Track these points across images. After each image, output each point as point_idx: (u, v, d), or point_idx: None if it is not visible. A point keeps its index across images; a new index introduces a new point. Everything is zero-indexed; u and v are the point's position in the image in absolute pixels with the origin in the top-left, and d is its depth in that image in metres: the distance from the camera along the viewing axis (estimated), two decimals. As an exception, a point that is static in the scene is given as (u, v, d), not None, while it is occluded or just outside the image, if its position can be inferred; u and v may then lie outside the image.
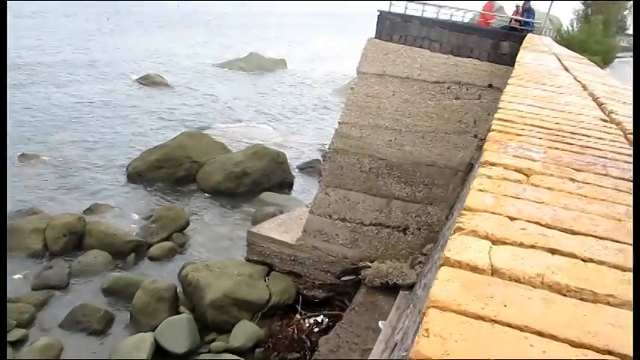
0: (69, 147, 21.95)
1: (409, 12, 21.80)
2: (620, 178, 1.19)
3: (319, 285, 14.55)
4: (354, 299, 12.83)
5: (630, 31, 48.60)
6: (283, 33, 77.52)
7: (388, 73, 18.85)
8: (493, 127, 1.58)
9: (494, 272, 0.67)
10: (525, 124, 1.66)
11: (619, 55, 35.05)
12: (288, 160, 22.25)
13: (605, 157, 1.38)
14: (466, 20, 25.02)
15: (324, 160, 19.55)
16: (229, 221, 18.38)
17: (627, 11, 35.86)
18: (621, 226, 0.87)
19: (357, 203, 15.69)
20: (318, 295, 14.17)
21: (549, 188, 1.04)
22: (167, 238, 15.94)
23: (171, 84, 33.96)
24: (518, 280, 0.67)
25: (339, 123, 19.08)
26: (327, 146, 20.19)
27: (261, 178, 20.17)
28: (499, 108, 1.92)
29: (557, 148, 1.39)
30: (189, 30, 64.31)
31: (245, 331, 12.03)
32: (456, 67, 17.62)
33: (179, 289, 13.54)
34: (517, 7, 22.65)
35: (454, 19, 23.30)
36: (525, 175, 1.11)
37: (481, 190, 0.97)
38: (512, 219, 0.84)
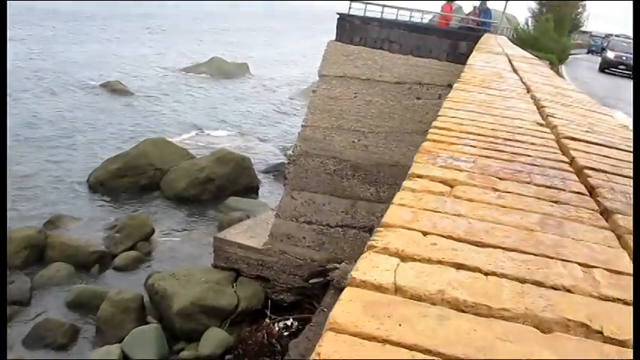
0: (26, 158, 21.43)
1: (369, 14, 21.98)
2: (542, 186, 1.24)
3: (288, 289, 14.56)
4: (323, 301, 12.87)
5: (584, 28, 49.89)
6: (247, 36, 77.21)
7: (349, 75, 18.98)
8: (428, 136, 1.62)
9: (398, 291, 0.70)
10: (462, 132, 1.71)
11: (573, 52, 35.95)
12: (254, 165, 22.19)
13: (534, 164, 1.42)
14: (425, 21, 25.35)
15: (288, 164, 19.55)
16: (195, 228, 18.24)
17: (580, 10, 36.80)
18: (531, 237, 0.91)
19: (323, 205, 15.74)
20: (287, 298, 14.18)
21: (470, 200, 1.07)
22: (132, 248, 15.73)
23: (133, 90, 33.48)
24: (419, 298, 0.70)
25: (302, 126, 19.12)
26: (291, 150, 20.21)
27: (227, 184, 20.09)
28: (438, 115, 1.97)
29: (487, 157, 1.44)
30: (151, 34, 63.53)
31: (214, 339, 11.95)
32: (416, 67, 17.85)
33: (146, 299, 13.36)
34: (474, 7, 23.06)
35: (413, 20, 23.58)
36: (450, 186, 1.15)
37: (401, 205, 1.00)
38: (425, 234, 0.87)
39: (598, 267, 0.85)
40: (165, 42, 58.93)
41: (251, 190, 21.39)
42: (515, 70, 4.48)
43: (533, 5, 33.11)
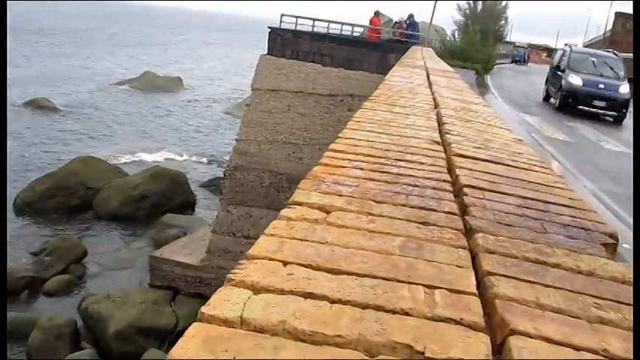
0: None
1: (300, 28, 22.20)
2: (416, 207, 1.31)
3: (226, 305, 14.41)
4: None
5: (508, 39, 52.25)
6: (181, 49, 76.24)
7: (282, 89, 19.06)
8: (321, 160, 1.68)
9: (243, 324, 0.74)
10: (355, 154, 1.78)
11: (498, 61, 37.46)
12: (189, 180, 21.92)
13: (415, 185, 1.50)
14: (357, 34, 25.82)
15: (224, 178, 19.39)
16: (130, 247, 17.81)
17: (503, 22, 38.41)
18: (387, 261, 0.98)
19: (260, 219, 15.69)
20: (225, 315, 14.03)
21: (341, 226, 1.13)
22: (64, 271, 15.22)
23: (61, 107, 32.38)
24: (261, 330, 0.74)
25: (236, 140, 19.03)
26: (226, 164, 20.06)
27: (162, 200, 19.75)
28: (337, 137, 2.04)
29: (371, 179, 1.51)
30: (83, 48, 61.70)
31: (152, 360, 11.68)
32: (348, 79, 18.15)
33: (80, 324, 12.96)
34: (400, 20, 23.68)
35: (344, 33, 23.96)
36: (326, 213, 1.20)
37: (271, 235, 1.04)
38: (285, 264, 0.92)
39: (441, 288, 0.92)
40: (98, 56, 57.39)
41: (187, 205, 21.13)
42: (430, 85, 4.65)
43: (459, 18, 34.36)
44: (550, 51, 76.84)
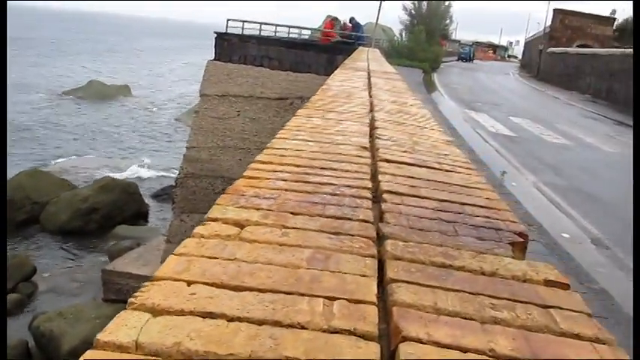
0: None
1: (247, 32, 22.10)
2: (332, 217, 1.34)
3: (183, 315, 14.23)
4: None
5: (453, 37, 53.47)
6: (128, 56, 74.72)
7: (231, 94, 18.95)
8: (245, 172, 1.70)
9: (138, 348, 0.75)
10: (281, 164, 1.80)
11: (445, 59, 38.23)
12: (141, 190, 21.55)
13: (335, 194, 1.53)
14: (305, 37, 25.89)
15: (176, 187, 19.12)
16: (82, 262, 17.38)
17: (448, 21, 39.16)
18: (292, 275, 1.00)
19: (214, 226, 15.54)
20: (182, 325, 13.85)
21: (253, 241, 1.15)
22: (12, 290, 14.72)
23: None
24: (156, 353, 0.75)
25: (187, 147, 18.80)
26: (178, 172, 19.79)
27: (113, 212, 19.37)
28: (266, 147, 2.06)
29: (292, 190, 1.53)
30: (27, 57, 59.74)
31: (107, 377, 11.40)
32: (296, 82, 18.19)
33: (31, 344, 12.60)
34: (345, 22, 23.87)
35: (292, 36, 23.99)
36: (241, 228, 1.22)
37: (180, 255, 1.05)
38: (190, 284, 0.93)
39: (341, 299, 0.94)
40: (43, 66, 55.70)
41: (140, 216, 20.79)
42: (369, 88, 4.72)
43: (405, 18, 34.89)
44: (495, 48, 78.95)
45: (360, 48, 18.23)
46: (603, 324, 3.37)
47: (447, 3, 36.39)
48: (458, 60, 49.24)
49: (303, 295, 0.95)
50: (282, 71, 20.19)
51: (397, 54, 27.15)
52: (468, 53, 53.45)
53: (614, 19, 42.68)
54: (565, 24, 40.89)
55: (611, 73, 25.23)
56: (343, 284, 1.01)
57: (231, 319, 0.85)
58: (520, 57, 63.12)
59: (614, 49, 29.24)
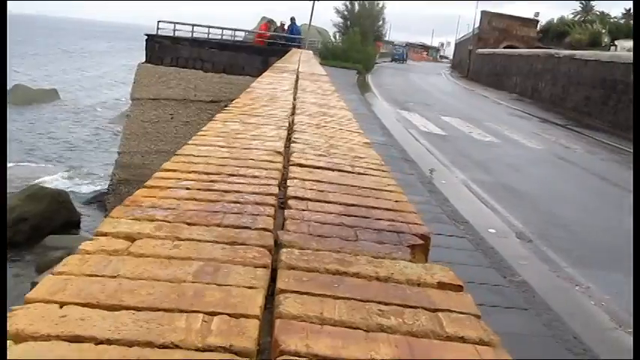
0: None
1: (178, 34, 21.68)
2: (230, 226, 1.31)
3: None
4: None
5: (387, 38, 54.45)
6: (56, 59, 71.97)
7: (164, 97, 18.55)
8: (148, 182, 1.64)
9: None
10: (188, 172, 1.75)
11: (379, 60, 38.84)
12: (72, 198, 20.76)
13: (238, 202, 1.50)
14: (239, 39, 25.64)
15: (108, 193, 18.53)
16: (9, 276, 16.55)
17: (381, 22, 39.78)
18: (175, 290, 0.96)
19: (148, 233, 15.20)
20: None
21: (141, 255, 1.10)
22: None
23: None
24: (7, 385, 0.70)
25: (118, 153, 18.26)
26: (110, 178, 19.18)
27: (42, 222, 18.57)
28: (175, 154, 2.00)
29: (195, 199, 1.48)
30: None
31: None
32: (230, 84, 18.00)
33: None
34: (282, 23, 23.86)
35: (225, 38, 23.72)
36: (131, 242, 1.17)
37: (58, 274, 0.99)
38: (62, 305, 0.87)
39: (222, 314, 0.91)
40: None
41: (71, 225, 20.01)
42: (295, 90, 4.70)
43: (339, 20, 35.18)
44: (427, 49, 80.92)
45: (294, 50, 18.26)
46: (524, 315, 3.48)
47: (379, 5, 36.95)
48: (392, 61, 50.18)
49: (182, 311, 0.91)
50: (216, 73, 19.97)
51: (332, 55, 27.34)
52: (402, 54, 54.56)
53: (538, 21, 44.57)
54: (492, 26, 42.40)
55: (535, 72, 26.30)
56: (228, 298, 0.98)
57: (100, 342, 0.81)
58: (451, 58, 64.95)
59: (538, 50, 30.52)
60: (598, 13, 50.29)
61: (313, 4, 24.14)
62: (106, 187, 19.59)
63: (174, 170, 1.80)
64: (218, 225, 1.33)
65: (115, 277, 1.01)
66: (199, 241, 1.22)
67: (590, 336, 4.06)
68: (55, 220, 19.03)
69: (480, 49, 39.66)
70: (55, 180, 23.49)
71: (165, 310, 0.91)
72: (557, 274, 5.33)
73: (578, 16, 50.31)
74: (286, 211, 1.51)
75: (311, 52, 18.89)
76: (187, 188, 1.61)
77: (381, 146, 8.90)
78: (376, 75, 29.11)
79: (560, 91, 22.99)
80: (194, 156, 2.00)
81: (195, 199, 1.51)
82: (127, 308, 0.91)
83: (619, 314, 4.71)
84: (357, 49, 28.36)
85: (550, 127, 16.61)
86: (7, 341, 0.80)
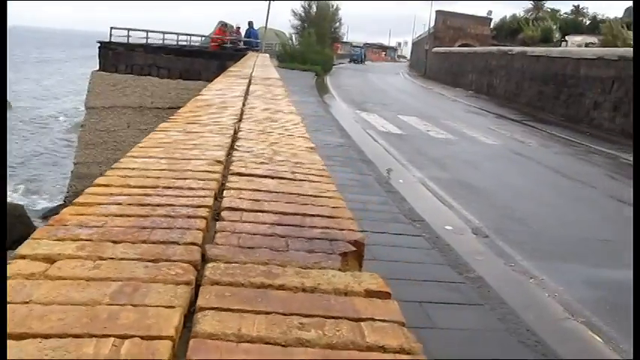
0: None
1: (133, 40, 21.33)
2: (156, 242, 1.28)
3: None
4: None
5: (345, 39, 54.77)
6: (12, 69, 69.91)
7: (119, 105, 18.24)
8: (77, 198, 1.60)
9: None
10: (122, 186, 1.71)
11: (337, 62, 39.01)
12: (28, 212, 20.18)
13: (169, 216, 1.47)
14: (196, 44, 25.38)
15: (65, 206, 18.08)
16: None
17: (338, 24, 39.97)
18: (87, 314, 0.93)
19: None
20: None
21: (59, 278, 1.07)
22: None
23: None
24: None
25: (74, 163, 17.87)
26: (67, 190, 18.75)
27: (-4, 238, 18.01)
28: (111, 168, 1.95)
29: (125, 215, 1.45)
30: None
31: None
32: (188, 90, 17.79)
33: None
34: (237, 27, 23.72)
35: (181, 44, 23.45)
36: (50, 264, 1.13)
37: (-33, 302, 0.96)
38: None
39: (135, 336, 0.89)
40: None
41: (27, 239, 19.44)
42: (246, 95, 4.67)
43: (296, 22, 35.21)
44: (385, 49, 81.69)
45: (250, 53, 18.18)
46: (478, 310, 3.52)
47: (334, 5, 37.10)
48: (350, 62, 50.47)
49: (93, 336, 0.89)
50: (172, 80, 19.74)
51: (290, 58, 27.32)
52: (360, 55, 54.93)
53: (491, 19, 45.50)
54: (447, 25, 43.11)
55: (490, 69, 26.82)
56: (143, 319, 0.95)
57: (-1, 374, 0.78)
58: (409, 57, 65.70)
59: (492, 47, 31.12)
60: (549, 10, 51.68)
61: (269, 5, 24.06)
62: (63, 199, 19.15)
63: (107, 185, 1.76)
64: (144, 241, 1.30)
65: (27, 302, 0.98)
66: (122, 259, 1.19)
67: (543, 327, 4.15)
68: (11, 235, 18.44)
69: (436, 48, 40.24)
70: (9, 194, 22.80)
71: (74, 335, 0.89)
72: (512, 268, 5.42)
73: (530, 13, 51.57)
74: (218, 224, 1.49)
75: (268, 55, 18.84)
76: (119, 204, 1.57)
77: (338, 148, 8.94)
78: (335, 76, 29.23)
79: (514, 87, 23.50)
80: (130, 169, 1.96)
81: (125, 215, 1.47)
82: (35, 336, 0.88)
83: (572, 304, 4.82)
84: (314, 50, 28.41)
85: (505, 123, 16.96)
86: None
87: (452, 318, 3.87)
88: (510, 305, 4.29)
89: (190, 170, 2.00)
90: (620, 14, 47.60)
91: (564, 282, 5.27)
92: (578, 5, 52.76)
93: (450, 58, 35.65)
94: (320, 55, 28.75)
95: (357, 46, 59.35)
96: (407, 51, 74.41)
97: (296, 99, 14.12)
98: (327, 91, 20.98)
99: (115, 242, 1.29)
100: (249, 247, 1.34)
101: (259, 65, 9.85)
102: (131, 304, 1.00)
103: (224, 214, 1.57)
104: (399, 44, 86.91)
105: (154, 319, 0.96)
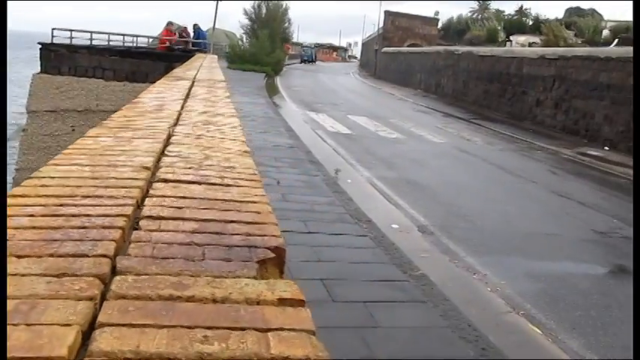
0: None
1: (76, 42, 20.77)
2: (65, 256, 1.23)
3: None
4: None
5: (295, 40, 54.80)
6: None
7: (63, 108, 17.74)
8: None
9: None
10: (38, 196, 1.64)
11: (289, 62, 38.98)
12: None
13: (83, 227, 1.42)
14: (143, 45, 24.90)
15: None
16: None
17: (287, 24, 39.90)
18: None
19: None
20: None
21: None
22: None
23: None
24: None
25: (16, 170, 17.27)
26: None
27: None
28: (29, 177, 1.88)
29: (35, 228, 1.39)
30: None
31: None
32: (135, 93, 17.39)
33: None
34: (185, 27, 23.38)
35: (127, 45, 22.96)
36: (-56, 282, 1.07)
37: None
38: None
39: (25, 357, 0.85)
40: None
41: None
42: (186, 98, 4.60)
43: (246, 22, 34.95)
44: (336, 49, 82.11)
45: (198, 55, 17.95)
46: (422, 308, 3.55)
47: (283, 5, 37.02)
48: (301, 62, 50.54)
49: (-23, 360, 0.84)
50: (119, 82, 19.33)
51: (240, 59, 27.12)
52: (311, 55, 55.06)
53: (438, 19, 46.33)
54: (396, 25, 43.67)
55: (438, 69, 27.31)
56: (35, 339, 0.91)
57: None
58: (359, 57, 66.24)
59: (439, 47, 31.69)
60: (494, 10, 53.02)
61: (217, 5, 23.79)
62: (5, 206, 18.51)
63: (22, 196, 1.69)
64: (51, 255, 1.25)
65: None
66: (23, 275, 1.14)
67: (484, 322, 4.24)
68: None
69: (385, 48, 40.70)
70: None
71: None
72: (456, 265, 5.52)
73: (476, 13, 52.80)
74: (134, 233, 1.45)
75: (216, 56, 18.64)
76: (31, 215, 1.51)
77: (287, 149, 8.92)
78: (285, 77, 29.18)
79: (461, 86, 23.99)
80: (50, 178, 1.89)
81: (35, 228, 1.42)
82: None
83: (513, 298, 4.95)
84: (265, 51, 28.27)
85: (453, 121, 17.29)
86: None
87: (395, 317, 3.90)
88: (453, 302, 4.36)
89: (114, 178, 1.95)
90: (560, 15, 49.34)
91: (507, 276, 5.40)
92: (522, 6, 54.39)
93: (399, 58, 36.11)
94: (270, 56, 28.63)
95: (308, 47, 59.46)
96: (357, 51, 75.03)
97: (245, 100, 14.03)
98: (277, 92, 20.92)
99: (18, 257, 1.23)
100: (163, 258, 1.30)
101: (205, 67, 9.73)
102: (25, 324, 0.96)
103: (142, 223, 1.53)
104: (350, 44, 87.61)
105: (47, 338, 0.92)
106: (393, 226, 6.32)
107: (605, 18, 43.03)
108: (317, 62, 55.01)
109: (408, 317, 3.95)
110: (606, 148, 13.63)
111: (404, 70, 33.91)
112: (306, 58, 53.17)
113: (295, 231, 5.15)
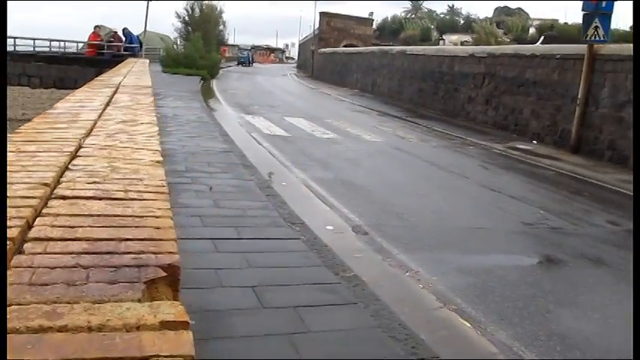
0: None
1: (-3, 48, 19.78)
2: None
3: None
4: None
5: (231, 42, 54.35)
6: None
7: (-15, 119, 16.93)
8: None
9: None
10: None
11: (225, 65, 38.60)
12: None
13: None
14: (71, 50, 24.06)
15: None
16: None
17: (222, 26, 39.50)
18: None
19: None
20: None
21: None
22: None
23: None
24: None
25: None
26: None
27: None
28: None
29: None
30: None
31: None
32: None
33: None
34: (116, 31, 22.78)
35: (54, 50, 22.15)
36: None
37: None
38: None
39: None
40: None
41: None
42: (106, 106, 4.45)
43: (180, 25, 34.37)
44: (273, 51, 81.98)
45: (129, 59, 17.51)
46: (353, 309, 3.53)
47: (217, 7, 36.60)
48: (238, 65, 50.11)
49: None
50: (46, 89, 18.65)
51: (174, 63, 26.60)
52: (247, 57, 54.67)
53: (373, 19, 46.99)
54: (331, 26, 44.01)
55: (373, 68, 27.66)
56: None
57: None
58: (297, 58, 66.31)
59: (374, 47, 32.14)
60: (426, 10, 54.26)
61: (147, 6, 23.21)
62: None
63: None
64: None
65: None
66: None
67: (415, 319, 4.28)
68: None
69: (321, 49, 40.92)
70: None
71: None
72: (389, 263, 5.56)
73: (409, 13, 53.88)
74: (14, 259, 1.37)
75: (147, 60, 18.23)
76: None
77: (220, 154, 8.79)
78: (221, 80, 28.85)
79: (396, 84, 24.39)
80: None
81: None
82: None
83: (444, 293, 5.02)
84: (199, 54, 27.86)
85: (388, 120, 17.53)
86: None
87: (326, 320, 3.89)
88: (384, 301, 4.38)
89: (7, 196, 1.84)
90: (490, 14, 50.96)
91: (438, 272, 5.48)
92: (453, 5, 55.88)
93: (336, 58, 36.37)
94: (206, 59, 28.24)
95: (245, 49, 59.04)
96: (295, 52, 75.09)
97: (179, 105, 13.77)
98: (212, 95, 20.64)
99: None
100: (41, 285, 1.23)
101: (134, 72, 9.48)
102: None
103: (27, 246, 1.45)
104: (287, 46, 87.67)
105: None
106: (327, 227, 6.32)
107: (532, 17, 44.81)
108: (254, 64, 54.71)
109: (339, 320, 3.94)
110: (534, 141, 14.15)
111: (340, 71, 34.17)
112: (242, 61, 52.73)
113: (226, 238, 5.07)
